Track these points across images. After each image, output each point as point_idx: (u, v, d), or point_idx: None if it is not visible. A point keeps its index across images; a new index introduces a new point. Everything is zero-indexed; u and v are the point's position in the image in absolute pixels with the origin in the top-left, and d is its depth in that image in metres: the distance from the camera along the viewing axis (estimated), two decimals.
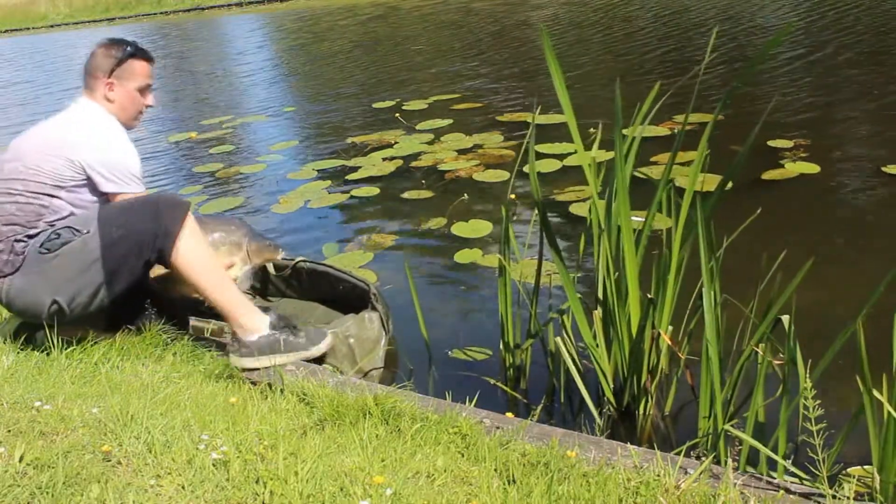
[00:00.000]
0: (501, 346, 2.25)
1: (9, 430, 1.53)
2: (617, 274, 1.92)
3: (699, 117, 4.34)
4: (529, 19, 11.49)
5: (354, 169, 4.61)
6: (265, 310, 2.24)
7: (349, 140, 5.38)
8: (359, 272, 3.10)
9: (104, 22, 25.93)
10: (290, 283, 2.71)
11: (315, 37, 13.69)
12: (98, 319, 2.23)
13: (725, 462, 1.52)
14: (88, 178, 2.11)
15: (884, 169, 3.52)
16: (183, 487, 1.36)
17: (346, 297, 2.54)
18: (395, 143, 5.10)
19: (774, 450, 1.60)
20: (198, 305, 2.51)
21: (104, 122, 2.19)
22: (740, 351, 1.78)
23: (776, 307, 1.65)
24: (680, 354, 1.95)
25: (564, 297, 2.05)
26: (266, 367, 2.11)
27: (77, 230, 2.04)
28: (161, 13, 25.75)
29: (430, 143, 5.00)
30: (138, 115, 2.29)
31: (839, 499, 1.38)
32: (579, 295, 2.02)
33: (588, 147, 2.05)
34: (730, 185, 1.77)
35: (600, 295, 2.01)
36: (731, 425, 1.65)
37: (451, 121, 5.51)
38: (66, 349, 2.09)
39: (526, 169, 2.04)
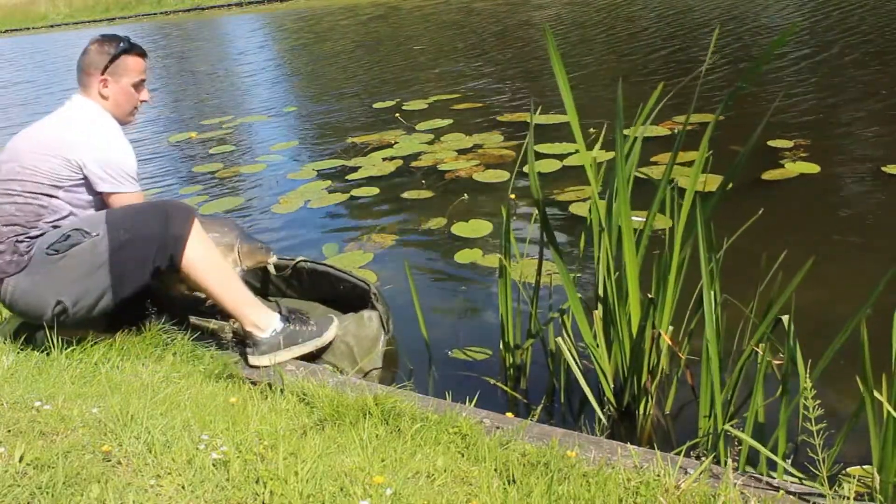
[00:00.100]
0: (501, 346, 2.25)
1: (9, 430, 1.53)
2: (617, 274, 1.92)
3: (699, 117, 4.34)
4: (532, 19, 11.49)
5: (354, 169, 4.61)
6: (272, 306, 2.27)
7: (349, 140, 5.38)
8: (359, 272, 3.10)
9: (104, 22, 25.93)
10: (291, 283, 2.71)
11: (316, 37, 13.70)
12: (98, 320, 2.23)
13: (725, 462, 1.52)
14: (85, 178, 2.11)
15: (884, 169, 3.52)
16: (183, 487, 1.36)
17: (346, 297, 2.54)
18: (396, 143, 5.10)
19: (774, 450, 1.60)
20: (198, 305, 2.51)
21: (100, 120, 2.19)
22: (740, 351, 1.78)
23: (776, 307, 1.65)
24: (680, 354, 1.95)
25: (564, 297, 2.05)
26: (286, 360, 2.17)
27: (87, 232, 2.04)
28: (161, 13, 25.76)
29: (431, 143, 5.00)
30: (133, 110, 2.29)
31: (839, 499, 1.38)
32: (579, 295, 2.02)
33: (590, 147, 2.05)
34: (730, 185, 1.77)
35: (601, 295, 2.01)
36: (731, 425, 1.65)
37: (451, 121, 5.51)
38: (66, 349, 2.09)
39: (526, 169, 2.04)
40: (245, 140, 6.09)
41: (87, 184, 2.13)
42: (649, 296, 1.84)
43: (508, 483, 1.47)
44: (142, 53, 2.29)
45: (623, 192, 1.84)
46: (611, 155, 1.96)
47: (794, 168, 3.68)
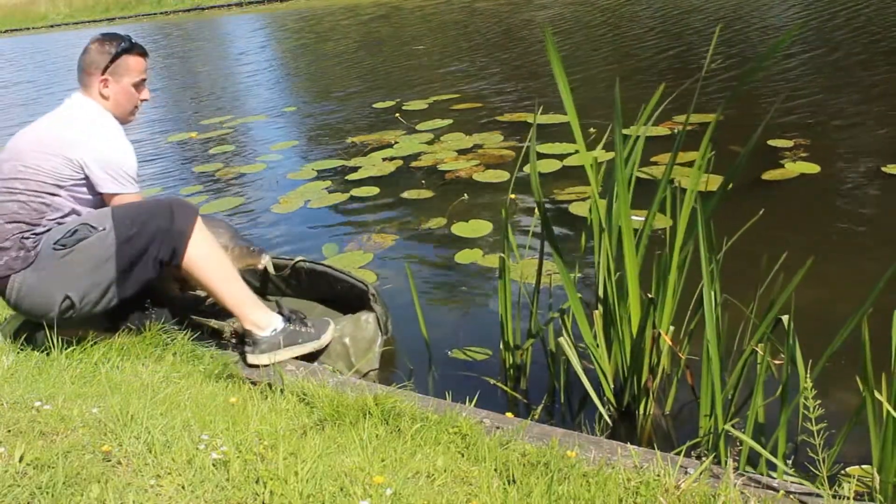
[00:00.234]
0: (501, 346, 2.25)
1: (9, 430, 1.53)
2: (618, 274, 1.92)
3: (699, 117, 4.34)
4: (534, 19, 11.47)
5: (354, 169, 4.61)
6: (272, 305, 2.27)
7: (349, 140, 5.38)
8: (359, 272, 3.11)
9: (104, 22, 25.93)
10: (289, 283, 2.71)
11: (317, 37, 13.70)
12: (99, 319, 2.23)
13: (725, 462, 1.52)
14: (87, 178, 2.12)
15: (884, 169, 3.52)
16: (183, 487, 1.36)
17: (344, 297, 2.54)
18: (395, 143, 5.10)
19: (774, 449, 1.60)
20: (197, 304, 2.51)
21: (101, 119, 2.19)
22: (741, 351, 1.78)
23: (776, 307, 1.65)
24: (680, 354, 1.95)
25: (565, 297, 2.05)
26: (285, 360, 2.18)
27: (93, 227, 2.05)
28: (161, 13, 25.76)
29: (431, 143, 5.00)
30: (134, 110, 2.29)
31: (839, 499, 1.38)
32: (580, 295, 2.02)
33: (591, 147, 2.05)
34: (730, 185, 1.77)
35: (601, 295, 2.01)
36: (732, 425, 1.65)
37: (451, 121, 5.51)
38: (66, 349, 2.09)
39: (526, 169, 2.04)
40: (245, 140, 6.09)
41: (88, 183, 2.13)
42: (649, 296, 1.84)
43: (508, 483, 1.47)
44: (143, 53, 2.29)
45: (623, 192, 1.84)
46: (611, 155, 1.96)
47: (794, 168, 3.68)
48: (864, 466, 1.65)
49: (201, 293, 2.47)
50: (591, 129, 4.33)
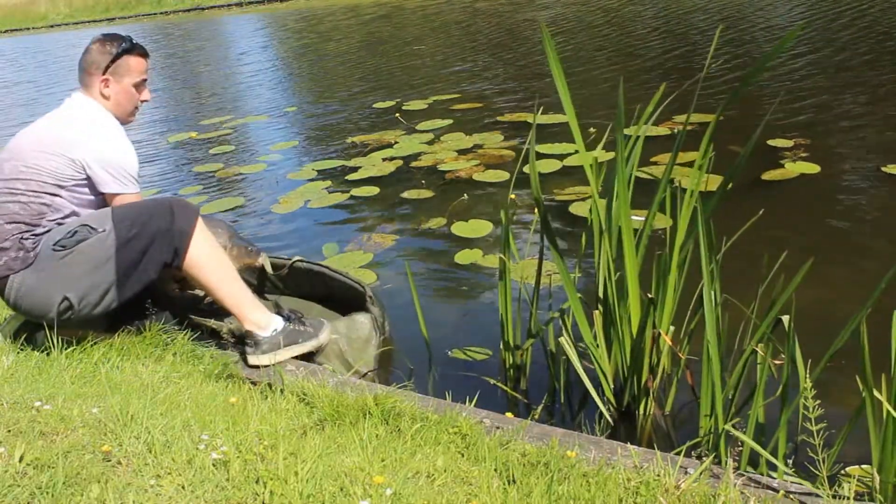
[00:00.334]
0: (501, 346, 2.25)
1: (9, 430, 1.53)
2: (618, 274, 1.92)
3: (699, 117, 4.34)
4: (535, 18, 11.47)
5: (354, 169, 4.61)
6: (271, 305, 2.27)
7: (349, 140, 5.38)
8: (359, 272, 3.11)
9: (104, 22, 25.95)
10: (287, 283, 2.71)
11: (318, 37, 13.70)
12: (99, 320, 2.23)
13: (726, 462, 1.52)
14: (88, 178, 2.12)
15: (884, 169, 3.52)
16: (183, 487, 1.36)
17: (342, 298, 2.54)
18: (396, 143, 5.10)
19: (775, 449, 1.60)
20: (197, 304, 2.51)
21: (102, 119, 2.19)
22: (741, 351, 1.78)
23: (776, 307, 1.65)
24: (680, 354, 1.95)
25: (565, 297, 2.05)
26: (286, 360, 2.18)
27: (93, 228, 2.05)
28: (161, 13, 25.77)
29: (431, 143, 5.00)
30: (134, 110, 2.29)
31: (839, 499, 1.38)
32: (579, 295, 2.02)
33: (591, 147, 2.05)
34: (730, 185, 1.77)
35: (601, 295, 2.01)
36: (732, 425, 1.65)
37: (451, 121, 5.51)
38: (66, 349, 2.09)
39: (526, 169, 2.04)
40: (245, 140, 6.09)
41: (89, 183, 2.13)
42: (649, 296, 1.84)
43: (508, 483, 1.47)
44: (143, 53, 2.29)
45: (623, 192, 1.84)
46: (611, 155, 1.96)
47: (794, 168, 3.68)
48: (863, 466, 1.65)
49: (200, 293, 2.47)
50: (591, 129, 4.33)
